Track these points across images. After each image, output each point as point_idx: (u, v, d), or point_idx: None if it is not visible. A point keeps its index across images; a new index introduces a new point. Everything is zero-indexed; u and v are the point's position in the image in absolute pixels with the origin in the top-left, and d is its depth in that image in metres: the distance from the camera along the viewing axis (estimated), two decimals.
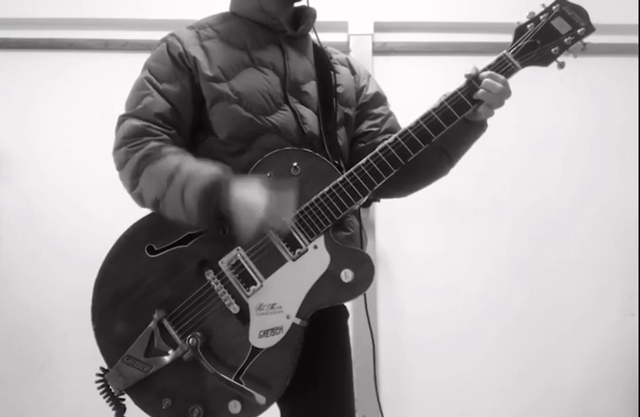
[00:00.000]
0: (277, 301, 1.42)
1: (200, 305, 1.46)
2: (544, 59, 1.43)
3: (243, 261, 1.44)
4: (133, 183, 1.48)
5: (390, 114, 1.73)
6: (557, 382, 2.91)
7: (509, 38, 1.45)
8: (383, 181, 1.44)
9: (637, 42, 2.91)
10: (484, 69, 1.43)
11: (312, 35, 1.70)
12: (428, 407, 2.88)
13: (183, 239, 1.48)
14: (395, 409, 2.79)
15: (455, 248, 2.95)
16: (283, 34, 1.62)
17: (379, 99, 1.73)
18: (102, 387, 1.52)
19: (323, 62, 1.66)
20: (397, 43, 3.03)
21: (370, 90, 1.72)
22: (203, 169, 1.41)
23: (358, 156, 1.50)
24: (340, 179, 1.44)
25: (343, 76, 1.68)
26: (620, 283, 2.97)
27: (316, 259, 1.42)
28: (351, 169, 1.44)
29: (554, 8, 1.42)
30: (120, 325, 1.50)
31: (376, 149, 1.45)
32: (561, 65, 1.44)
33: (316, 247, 1.43)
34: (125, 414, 1.53)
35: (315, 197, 1.44)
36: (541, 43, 1.42)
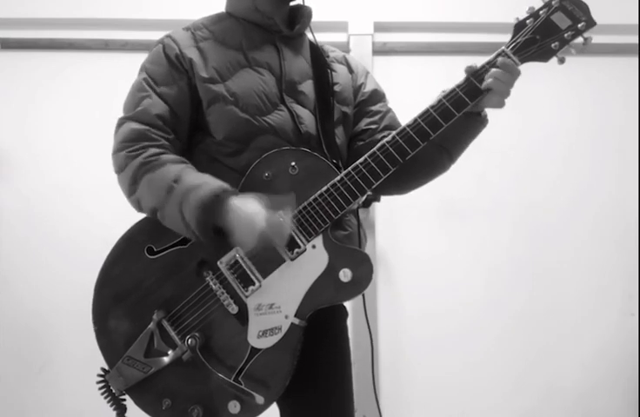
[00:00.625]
0: (276, 301, 1.42)
1: (199, 305, 1.46)
2: (544, 54, 1.40)
3: (241, 262, 1.44)
4: (131, 189, 1.48)
5: (389, 110, 1.72)
6: (557, 382, 2.91)
7: (509, 38, 1.44)
8: (382, 179, 1.43)
9: (637, 42, 2.91)
10: (483, 66, 1.42)
11: (309, 34, 1.69)
12: (427, 406, 2.88)
13: (182, 240, 1.48)
14: (394, 409, 2.79)
15: (455, 248, 2.95)
16: (279, 34, 1.61)
17: (377, 96, 1.72)
18: (103, 387, 1.52)
19: (319, 61, 1.66)
20: (397, 42, 3.04)
21: (368, 88, 1.71)
22: (202, 183, 1.40)
23: (357, 154, 1.49)
24: (338, 178, 1.43)
25: (340, 75, 1.68)
26: (620, 283, 2.96)
27: (314, 259, 1.42)
28: (349, 168, 1.44)
29: (554, 2, 1.38)
30: (120, 326, 1.51)
31: (374, 148, 1.44)
32: (561, 60, 1.41)
33: (314, 246, 1.43)
34: (126, 415, 1.53)
35: (313, 197, 1.43)
36: (540, 38, 1.39)
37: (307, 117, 1.57)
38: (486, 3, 2.98)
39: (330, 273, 1.41)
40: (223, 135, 1.52)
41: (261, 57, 1.57)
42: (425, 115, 1.43)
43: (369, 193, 1.46)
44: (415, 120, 1.43)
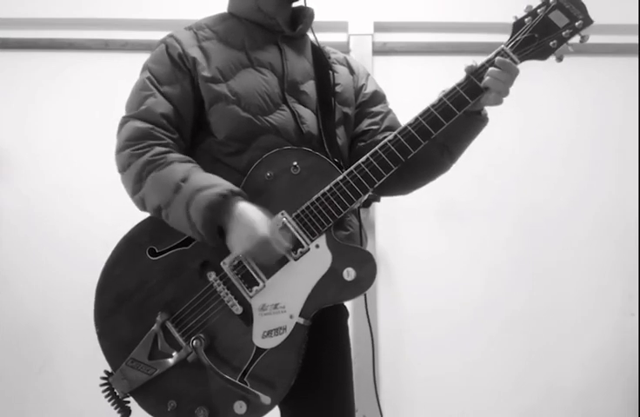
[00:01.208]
0: (280, 301, 1.42)
1: (203, 306, 1.45)
2: (543, 53, 1.41)
3: (245, 262, 1.44)
4: (136, 188, 1.48)
5: (390, 111, 1.72)
6: (557, 382, 2.91)
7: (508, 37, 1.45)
8: (384, 178, 1.43)
9: (637, 42, 2.91)
10: (483, 65, 1.42)
11: (310, 35, 1.69)
12: (428, 406, 2.88)
13: (184, 241, 1.48)
14: (395, 409, 2.80)
15: (455, 248, 2.95)
16: (281, 34, 1.62)
17: (378, 97, 1.73)
18: (106, 390, 1.51)
19: (321, 62, 1.66)
20: (397, 43, 3.04)
21: (369, 89, 1.72)
22: (211, 184, 1.41)
23: (358, 155, 1.49)
24: (340, 177, 1.44)
25: (341, 76, 1.68)
26: (620, 283, 2.97)
27: (318, 258, 1.42)
28: (351, 167, 1.44)
29: (551, 1, 1.39)
30: (123, 328, 1.50)
31: (376, 147, 1.45)
32: (559, 58, 1.42)
33: (317, 246, 1.43)
34: None
35: (316, 196, 1.43)
36: (539, 36, 1.40)
37: (309, 117, 1.57)
38: (486, 3, 2.98)
39: (333, 272, 1.41)
40: (225, 135, 1.52)
41: (263, 57, 1.58)
42: (426, 114, 1.43)
43: (370, 192, 1.47)
44: (416, 119, 1.44)
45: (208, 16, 1.67)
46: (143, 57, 1.62)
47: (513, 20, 1.43)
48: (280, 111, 1.54)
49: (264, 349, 1.41)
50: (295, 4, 1.65)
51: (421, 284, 2.91)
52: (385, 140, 1.45)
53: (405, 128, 1.44)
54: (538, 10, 1.41)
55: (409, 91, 2.55)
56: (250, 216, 1.38)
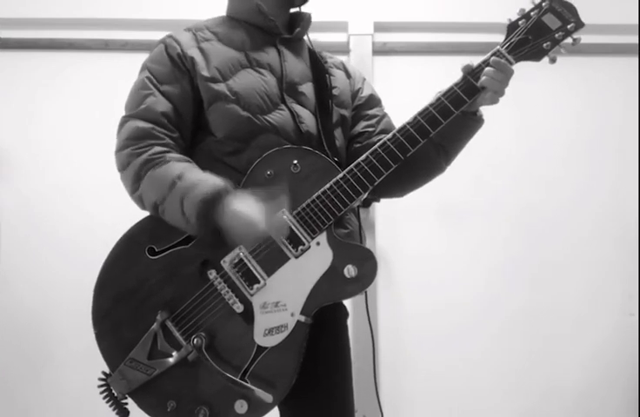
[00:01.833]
0: (281, 299, 1.42)
1: (203, 305, 1.45)
2: (537, 54, 1.45)
3: (245, 260, 1.44)
4: (135, 187, 1.48)
5: (385, 115, 1.75)
6: (557, 382, 2.91)
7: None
8: (384, 176, 1.44)
9: (637, 42, 2.91)
10: (479, 65, 1.45)
11: (307, 39, 1.71)
12: (428, 406, 2.88)
13: (183, 239, 1.48)
14: (395, 408, 2.79)
15: (454, 248, 2.95)
16: (279, 36, 1.63)
17: (374, 101, 1.75)
18: (104, 391, 1.50)
19: (318, 66, 1.68)
20: (397, 42, 3.04)
21: (365, 92, 1.75)
22: (205, 180, 1.42)
23: (354, 157, 1.50)
24: (340, 175, 1.44)
25: (338, 79, 1.70)
26: (620, 283, 2.97)
27: (318, 255, 1.42)
28: (351, 166, 1.45)
29: (544, 4, 1.44)
30: (122, 328, 1.49)
31: (375, 145, 1.46)
32: (552, 60, 1.46)
33: (318, 243, 1.43)
34: None
35: (316, 194, 1.44)
36: (533, 38, 1.44)
37: (307, 117, 1.58)
38: (486, 3, 2.98)
39: (334, 270, 1.41)
40: (224, 134, 1.52)
41: (262, 58, 1.59)
42: (425, 113, 1.45)
43: (370, 191, 1.47)
44: (415, 117, 1.46)
45: (207, 17, 1.68)
46: (143, 57, 1.62)
47: (506, 21, 1.47)
48: (279, 111, 1.55)
49: (265, 348, 1.41)
50: (293, 10, 1.68)
51: (421, 284, 2.91)
52: (385, 138, 1.46)
53: (404, 126, 1.46)
54: (531, 13, 1.45)
55: (409, 91, 2.56)
56: (246, 206, 1.39)
